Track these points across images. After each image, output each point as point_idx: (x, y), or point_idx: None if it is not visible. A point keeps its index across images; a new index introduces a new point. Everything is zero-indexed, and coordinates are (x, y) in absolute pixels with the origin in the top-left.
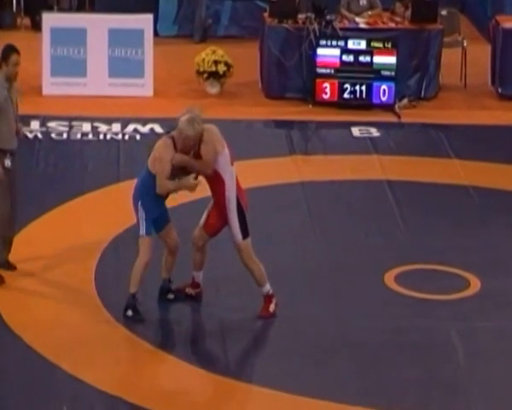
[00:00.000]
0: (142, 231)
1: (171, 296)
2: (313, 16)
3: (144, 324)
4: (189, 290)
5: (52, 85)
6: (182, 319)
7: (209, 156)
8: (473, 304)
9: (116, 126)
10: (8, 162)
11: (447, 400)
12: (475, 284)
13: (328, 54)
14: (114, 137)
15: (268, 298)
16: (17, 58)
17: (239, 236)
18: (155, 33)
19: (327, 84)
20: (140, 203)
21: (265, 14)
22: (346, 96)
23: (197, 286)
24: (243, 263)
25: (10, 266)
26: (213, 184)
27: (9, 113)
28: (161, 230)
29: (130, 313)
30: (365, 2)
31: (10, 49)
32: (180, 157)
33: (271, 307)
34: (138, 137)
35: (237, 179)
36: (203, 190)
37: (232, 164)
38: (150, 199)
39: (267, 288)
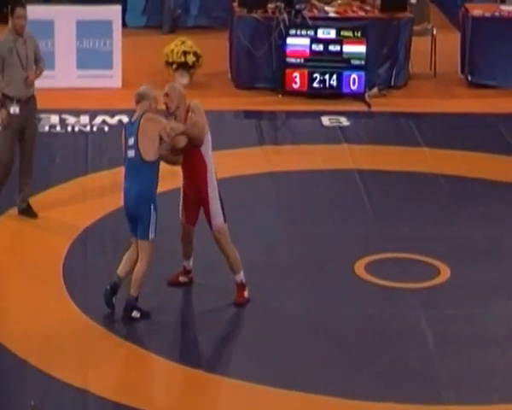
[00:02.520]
0: (152, 235)
1: (114, 300)
2: (283, 6)
3: (114, 317)
4: (183, 278)
5: None
6: (153, 311)
7: (200, 119)
8: (442, 292)
9: (84, 118)
10: (14, 109)
11: (417, 388)
12: (445, 273)
13: (297, 43)
14: (82, 129)
15: (241, 286)
16: (21, 11)
17: (220, 219)
18: (124, 24)
19: (297, 74)
20: (153, 207)
21: (235, 5)
22: (315, 85)
23: (189, 272)
24: (221, 248)
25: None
26: (194, 170)
27: (13, 63)
28: None
29: (136, 314)
30: None
31: (15, 3)
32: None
33: (246, 294)
34: (107, 128)
35: None
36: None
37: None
38: (155, 193)
39: (241, 276)
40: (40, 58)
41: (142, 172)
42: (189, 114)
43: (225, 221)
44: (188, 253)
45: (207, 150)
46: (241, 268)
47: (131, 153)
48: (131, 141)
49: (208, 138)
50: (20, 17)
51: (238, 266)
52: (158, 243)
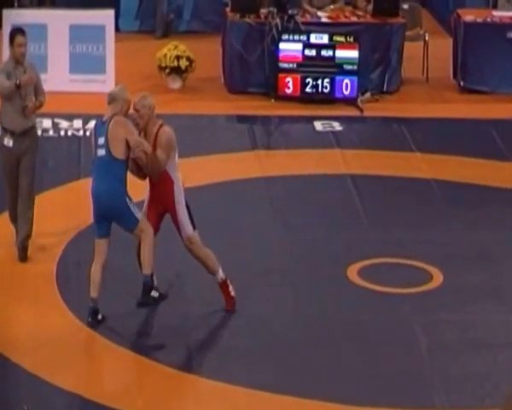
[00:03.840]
0: (138, 215)
1: (99, 317)
2: (275, 11)
3: (105, 321)
4: (154, 293)
5: None
6: (141, 314)
7: (165, 145)
8: (435, 297)
9: (77, 123)
10: (8, 141)
11: (410, 392)
12: (438, 278)
13: (290, 48)
14: (75, 133)
15: (224, 284)
16: (21, 39)
17: (190, 228)
18: (117, 29)
19: (289, 79)
20: (127, 199)
21: (227, 9)
22: (308, 90)
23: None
24: (195, 255)
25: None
26: (160, 185)
27: (11, 94)
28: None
29: (155, 293)
30: None
31: (14, 31)
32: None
33: (232, 292)
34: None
35: None
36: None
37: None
38: (127, 186)
39: (220, 274)
40: (41, 91)
41: (112, 170)
42: (157, 150)
43: (195, 229)
44: None
45: (173, 167)
46: (219, 267)
47: (102, 151)
48: (102, 140)
49: (176, 160)
50: (20, 45)
51: (215, 266)
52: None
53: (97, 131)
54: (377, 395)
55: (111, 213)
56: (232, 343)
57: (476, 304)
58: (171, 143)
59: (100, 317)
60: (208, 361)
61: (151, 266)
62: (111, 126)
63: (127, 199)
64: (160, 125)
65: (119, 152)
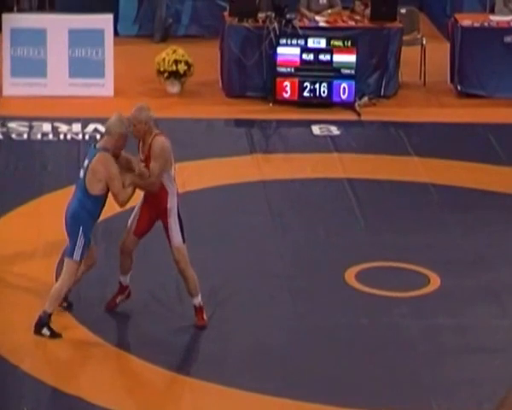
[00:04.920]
0: (77, 256)
1: (64, 304)
2: (273, 15)
3: (102, 325)
4: (120, 298)
5: (12, 86)
6: (139, 316)
7: (157, 155)
8: (432, 301)
9: (76, 126)
10: None
11: (408, 396)
12: (435, 281)
13: (288, 53)
14: (75, 137)
15: (200, 309)
16: None
17: (179, 239)
18: (116, 33)
19: (287, 83)
20: (82, 229)
21: (226, 14)
22: (306, 94)
23: (125, 289)
24: (180, 269)
25: None
26: (154, 195)
27: None
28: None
29: (46, 331)
30: (325, 1)
31: None
32: (131, 180)
33: (205, 316)
34: (99, 137)
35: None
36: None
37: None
38: (91, 223)
39: (199, 299)
40: None
41: (83, 197)
42: (150, 163)
43: (184, 242)
44: (126, 267)
45: (169, 179)
46: (199, 292)
47: (81, 173)
48: (85, 164)
49: (170, 167)
50: None
51: (197, 289)
52: (148, 254)
53: (88, 151)
54: (375, 399)
55: (66, 229)
56: (230, 346)
57: (474, 308)
58: (163, 152)
59: (64, 304)
60: (206, 364)
61: (54, 305)
62: (94, 161)
63: (81, 229)
64: (155, 135)
65: (93, 188)
